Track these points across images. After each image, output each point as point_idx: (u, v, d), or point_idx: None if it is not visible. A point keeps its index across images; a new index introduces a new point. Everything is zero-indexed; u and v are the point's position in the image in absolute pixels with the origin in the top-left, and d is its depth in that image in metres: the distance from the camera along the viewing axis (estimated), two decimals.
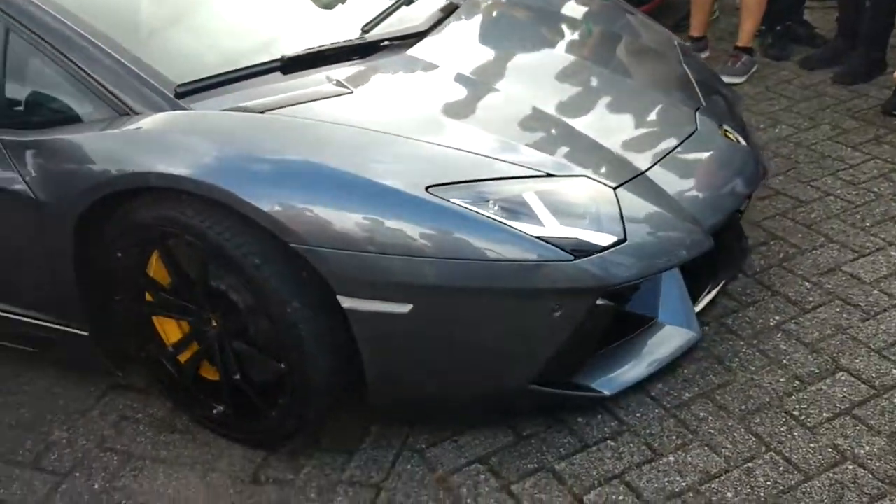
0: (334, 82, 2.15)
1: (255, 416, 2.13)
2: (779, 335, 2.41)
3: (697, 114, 2.45)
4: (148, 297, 2.16)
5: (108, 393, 2.41)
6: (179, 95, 2.06)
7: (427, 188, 1.88)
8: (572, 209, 1.99)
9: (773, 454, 2.04)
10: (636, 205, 2.07)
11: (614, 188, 2.07)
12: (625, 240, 1.98)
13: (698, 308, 2.35)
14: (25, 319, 2.29)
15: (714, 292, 2.43)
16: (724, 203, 2.28)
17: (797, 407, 2.17)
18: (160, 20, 2.37)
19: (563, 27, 2.81)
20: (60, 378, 2.47)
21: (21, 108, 2.16)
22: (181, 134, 1.98)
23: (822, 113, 3.65)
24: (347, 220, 1.85)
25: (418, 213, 1.87)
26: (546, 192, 1.99)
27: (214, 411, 2.18)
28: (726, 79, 3.92)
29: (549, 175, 2.02)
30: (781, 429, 2.11)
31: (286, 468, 2.13)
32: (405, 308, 1.89)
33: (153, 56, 2.14)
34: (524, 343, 1.99)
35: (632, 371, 2.18)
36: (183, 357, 2.19)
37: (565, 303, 1.94)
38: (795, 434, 2.09)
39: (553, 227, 1.94)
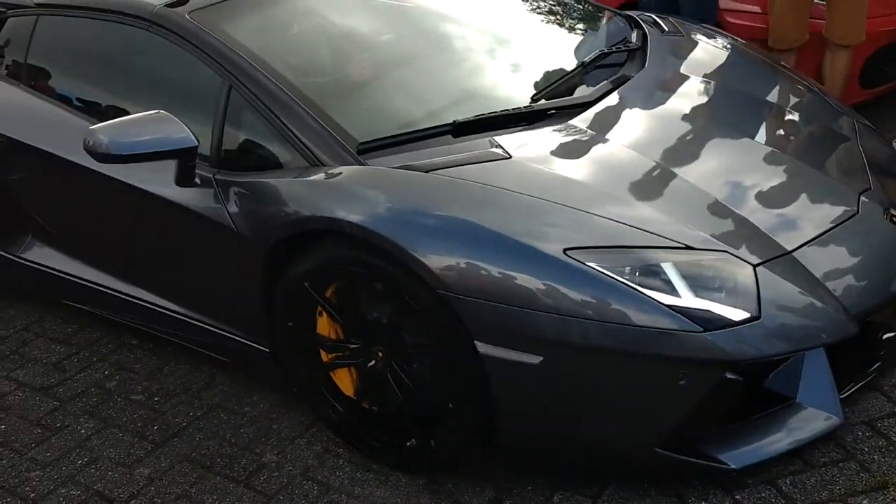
0: (495, 147, 2.36)
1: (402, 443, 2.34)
2: None
3: (862, 196, 2.42)
4: (323, 356, 2.41)
5: (316, 423, 2.57)
6: (361, 152, 2.36)
7: (565, 251, 2.04)
8: (708, 282, 2.07)
9: None
10: (776, 284, 2.10)
11: (754, 266, 2.11)
12: (759, 317, 2.03)
13: (846, 394, 2.31)
14: (220, 332, 2.66)
15: (866, 381, 2.38)
16: (877, 290, 2.24)
17: None
18: (351, 83, 2.70)
19: (745, 102, 2.86)
20: (278, 405, 2.67)
21: (233, 152, 2.55)
22: (362, 187, 2.26)
23: None
24: (490, 273, 2.05)
25: (554, 274, 2.02)
26: (684, 263, 2.08)
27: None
28: None
29: (688, 247, 2.11)
30: None
31: None
32: (536, 359, 2.04)
33: (343, 116, 2.45)
34: (648, 407, 2.07)
35: (763, 448, 2.18)
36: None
37: (691, 373, 2.01)
38: None
39: (687, 299, 2.03)
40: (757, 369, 2.11)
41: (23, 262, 3.14)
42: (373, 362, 2.32)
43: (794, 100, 2.91)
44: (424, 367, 2.24)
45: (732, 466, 2.14)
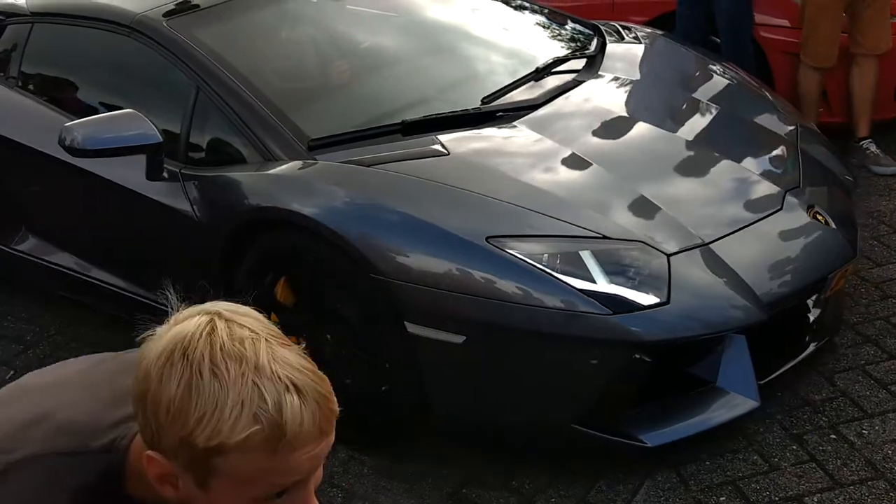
0: (436, 145, 2.53)
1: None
2: None
3: (788, 194, 2.55)
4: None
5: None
6: (311, 147, 2.54)
7: (487, 238, 2.20)
8: (623, 270, 2.22)
9: None
10: (688, 272, 2.25)
11: (668, 255, 2.26)
12: (667, 303, 2.17)
13: (767, 380, 2.43)
14: None
15: (787, 367, 2.50)
16: (791, 280, 2.37)
17: None
18: (312, 86, 2.90)
19: (684, 104, 3.00)
20: None
21: (198, 149, 2.75)
22: (305, 179, 2.46)
23: None
24: (418, 258, 2.22)
25: (476, 259, 2.19)
26: (601, 252, 2.23)
27: None
28: None
29: (604, 237, 2.26)
30: None
31: None
32: (459, 339, 2.21)
33: (298, 114, 2.64)
34: (563, 385, 2.22)
35: (680, 428, 2.32)
36: None
37: (602, 353, 2.16)
38: None
39: (602, 285, 2.18)
40: (671, 352, 2.25)
41: (17, 253, 3.36)
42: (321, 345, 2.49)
43: (736, 101, 3.05)
44: (365, 347, 2.40)
45: (649, 444, 2.27)
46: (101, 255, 3.11)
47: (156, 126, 2.60)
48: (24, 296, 3.51)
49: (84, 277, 3.14)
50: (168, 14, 2.95)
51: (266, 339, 0.95)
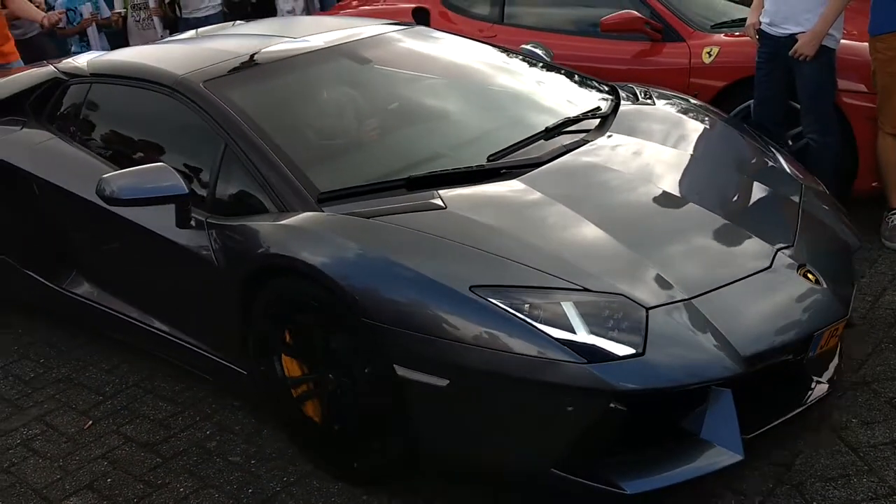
0: (436, 199, 2.68)
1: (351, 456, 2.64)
2: None
3: (779, 252, 2.61)
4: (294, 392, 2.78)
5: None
6: (320, 200, 2.73)
7: (471, 287, 2.33)
8: (603, 322, 2.31)
9: None
10: (666, 326, 2.33)
11: (647, 308, 2.34)
12: (642, 354, 2.25)
13: (753, 434, 2.47)
14: (205, 353, 3.05)
15: (775, 423, 2.53)
16: (772, 337, 2.41)
17: None
18: (331, 143, 3.10)
19: (683, 163, 3.10)
20: None
21: (222, 199, 2.97)
22: (309, 229, 2.64)
23: None
24: (406, 305, 2.37)
25: (460, 306, 2.32)
26: (581, 303, 2.34)
27: None
28: None
29: (585, 290, 2.37)
30: None
31: None
32: (443, 382, 2.33)
33: (312, 168, 2.84)
34: (541, 430, 2.31)
35: (660, 477, 2.37)
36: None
37: (578, 401, 2.25)
38: None
39: (581, 335, 2.28)
40: (647, 402, 2.31)
41: (68, 294, 3.64)
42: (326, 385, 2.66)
43: (734, 158, 3.12)
44: (361, 388, 2.55)
45: (627, 492, 2.33)
46: (140, 298, 3.35)
47: (188, 178, 2.86)
48: (107, 347, 3.68)
49: (125, 318, 3.39)
50: (203, 74, 3.22)
51: None
